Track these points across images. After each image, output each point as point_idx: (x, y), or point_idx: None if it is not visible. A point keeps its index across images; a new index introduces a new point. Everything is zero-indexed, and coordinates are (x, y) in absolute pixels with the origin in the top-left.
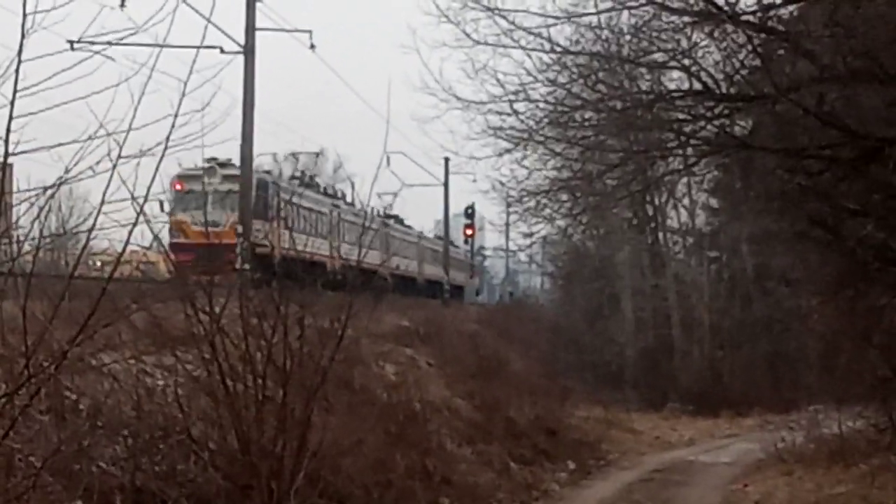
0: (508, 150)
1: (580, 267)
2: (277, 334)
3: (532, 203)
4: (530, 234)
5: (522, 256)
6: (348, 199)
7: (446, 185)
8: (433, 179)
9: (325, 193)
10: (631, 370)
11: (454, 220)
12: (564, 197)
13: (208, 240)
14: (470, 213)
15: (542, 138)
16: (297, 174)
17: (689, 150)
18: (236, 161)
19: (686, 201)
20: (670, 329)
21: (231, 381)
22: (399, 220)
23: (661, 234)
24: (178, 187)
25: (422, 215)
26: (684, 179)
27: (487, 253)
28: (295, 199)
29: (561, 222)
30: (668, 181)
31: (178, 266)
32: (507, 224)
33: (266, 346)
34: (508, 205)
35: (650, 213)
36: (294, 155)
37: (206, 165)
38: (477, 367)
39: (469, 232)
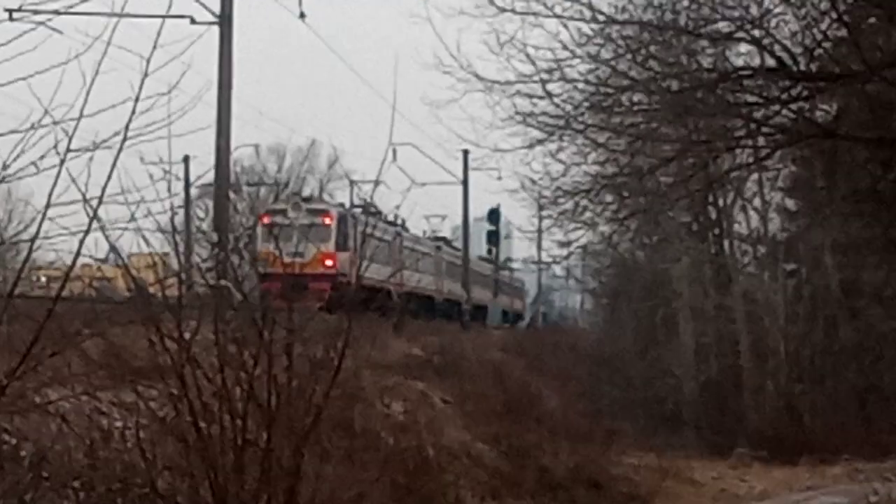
0: (541, 141)
1: (628, 283)
2: (260, 365)
3: (569, 205)
4: (567, 243)
5: (558, 270)
6: (343, 198)
7: (465, 183)
8: (449, 177)
9: (388, 222)
10: (691, 408)
11: (475, 225)
12: (609, 197)
13: (294, 270)
14: (494, 217)
15: (581, 126)
16: (360, 202)
17: (761, 140)
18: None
19: (757, 202)
20: (738, 358)
21: (204, 423)
22: (447, 242)
23: (726, 243)
24: (266, 220)
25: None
26: (755, 176)
27: (516, 265)
28: (368, 230)
29: (605, 228)
30: (736, 178)
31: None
32: (540, 231)
33: (247, 379)
34: (541, 207)
35: (713, 216)
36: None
37: (293, 200)
38: (503, 404)
39: (493, 237)
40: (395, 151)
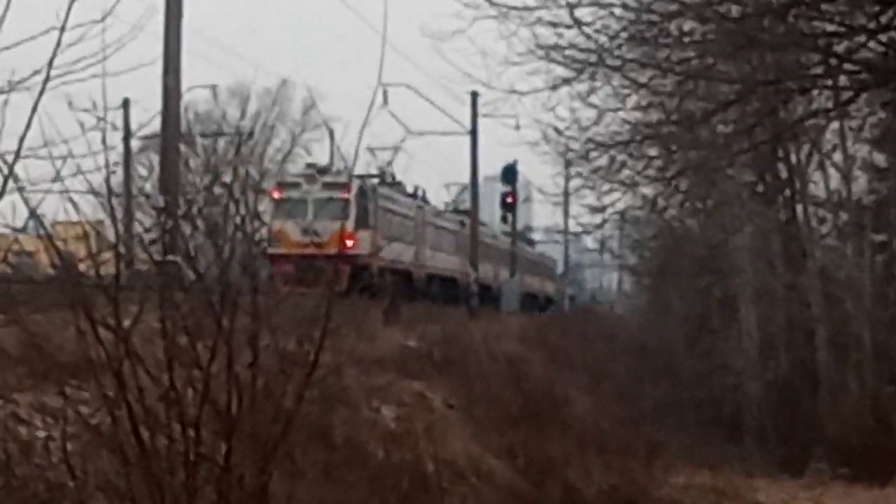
0: (567, 81)
1: (677, 257)
2: (218, 361)
3: (604, 160)
4: (601, 209)
5: (589, 242)
6: (321, 152)
7: (474, 133)
8: (454, 125)
9: (408, 194)
10: (754, 414)
11: (486, 186)
12: (653, 151)
13: (312, 250)
14: (510, 175)
15: (618, 62)
16: (377, 171)
17: (843, 80)
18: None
19: (838, 158)
20: (814, 351)
21: (148, 432)
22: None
23: (799, 208)
24: (277, 195)
25: (437, 177)
26: (835, 125)
27: (537, 236)
28: (389, 205)
29: (647, 190)
30: (812, 127)
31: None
32: (567, 193)
33: (201, 378)
34: (568, 163)
35: (783, 175)
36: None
37: (307, 172)
38: (520, 409)
39: (509, 200)
40: (385, 93)
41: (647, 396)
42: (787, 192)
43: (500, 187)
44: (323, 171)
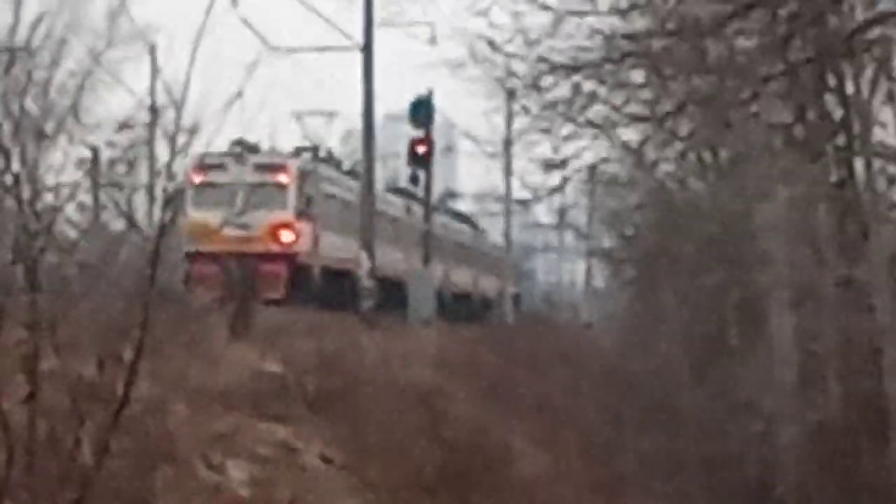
0: None
1: (675, 238)
2: None
3: (564, 90)
4: (561, 163)
5: (543, 214)
6: (137, 78)
7: (368, 49)
8: (339, 38)
9: (346, 172)
10: (792, 474)
11: (390, 126)
12: (638, 77)
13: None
14: (423, 113)
15: None
16: (306, 143)
17: None
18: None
19: None
20: (880, 380)
21: None
22: (412, 196)
23: (858, 164)
24: (197, 179)
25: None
26: None
27: (464, 205)
28: (332, 189)
29: (630, 135)
30: (876, 40)
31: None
32: (509, 141)
33: None
34: (510, 95)
35: (835, 114)
36: None
37: (233, 151)
38: (438, 468)
39: (421, 150)
40: None
41: (631, 450)
42: (841, 139)
43: (408, 131)
44: (254, 149)
